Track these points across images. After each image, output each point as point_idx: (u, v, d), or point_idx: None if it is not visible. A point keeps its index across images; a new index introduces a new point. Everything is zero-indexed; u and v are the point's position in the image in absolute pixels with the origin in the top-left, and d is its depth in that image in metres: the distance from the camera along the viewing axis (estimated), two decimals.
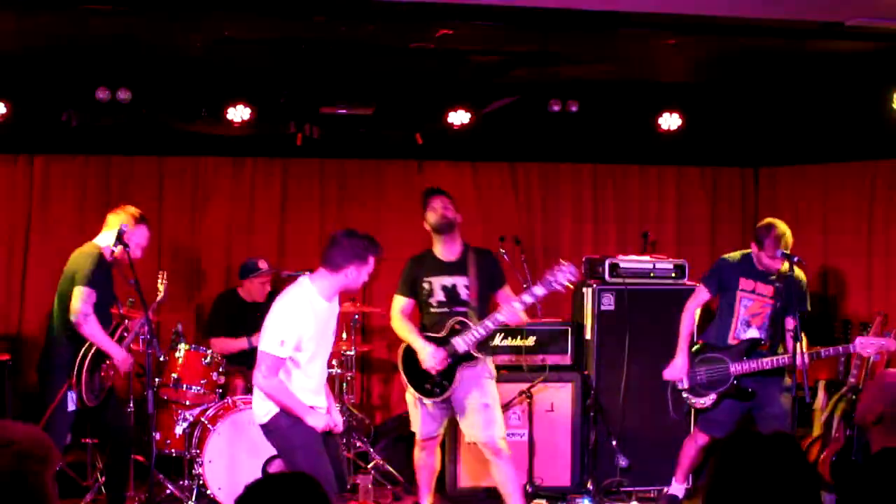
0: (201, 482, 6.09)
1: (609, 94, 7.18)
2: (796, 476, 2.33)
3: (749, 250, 5.91)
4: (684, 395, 5.96)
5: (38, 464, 2.48)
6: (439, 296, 5.76)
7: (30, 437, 2.52)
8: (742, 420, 5.97)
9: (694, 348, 6.01)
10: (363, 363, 7.60)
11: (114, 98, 6.55)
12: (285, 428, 4.81)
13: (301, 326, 4.74)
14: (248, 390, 6.47)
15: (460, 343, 5.61)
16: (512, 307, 5.55)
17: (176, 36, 5.67)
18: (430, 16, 5.14)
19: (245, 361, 6.70)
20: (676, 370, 5.95)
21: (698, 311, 6.17)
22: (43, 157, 7.30)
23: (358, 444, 6.82)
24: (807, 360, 5.47)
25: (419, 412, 5.79)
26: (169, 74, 6.68)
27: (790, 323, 5.74)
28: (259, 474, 5.92)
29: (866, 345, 5.60)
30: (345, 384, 6.79)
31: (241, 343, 6.72)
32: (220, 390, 6.41)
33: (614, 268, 6.78)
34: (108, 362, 5.64)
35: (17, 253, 7.23)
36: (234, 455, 6.06)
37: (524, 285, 5.91)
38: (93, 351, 5.51)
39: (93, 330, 5.48)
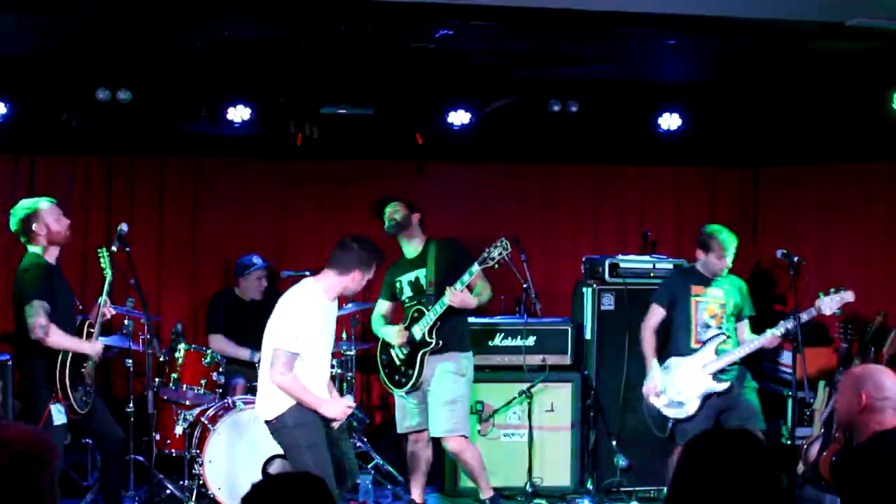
0: (201, 482, 6.09)
1: (609, 94, 7.17)
2: (757, 472, 2.34)
3: (692, 263, 6.22)
4: (664, 410, 6.02)
5: (36, 464, 2.48)
6: (407, 291, 6.08)
7: (28, 438, 2.51)
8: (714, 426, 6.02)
9: (663, 365, 6.08)
10: (363, 363, 7.59)
11: (114, 98, 6.55)
12: (291, 427, 4.95)
13: (312, 323, 4.93)
14: (249, 390, 6.48)
15: (416, 330, 5.89)
16: (451, 289, 5.75)
17: (176, 36, 5.67)
18: (430, 16, 5.14)
19: (246, 363, 6.71)
20: (653, 381, 6.04)
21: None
22: (43, 157, 7.30)
23: (358, 444, 6.81)
24: (777, 339, 5.81)
25: (398, 407, 6.09)
26: (169, 74, 6.68)
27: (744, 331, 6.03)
28: (259, 474, 5.92)
29: (830, 303, 5.70)
30: (345, 384, 6.79)
31: (243, 352, 6.73)
32: (220, 390, 6.41)
33: (614, 268, 6.78)
34: (85, 364, 5.44)
35: (16, 253, 7.22)
36: (234, 455, 6.06)
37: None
38: (69, 358, 5.30)
39: (58, 339, 5.26)
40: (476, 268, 5.76)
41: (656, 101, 7.28)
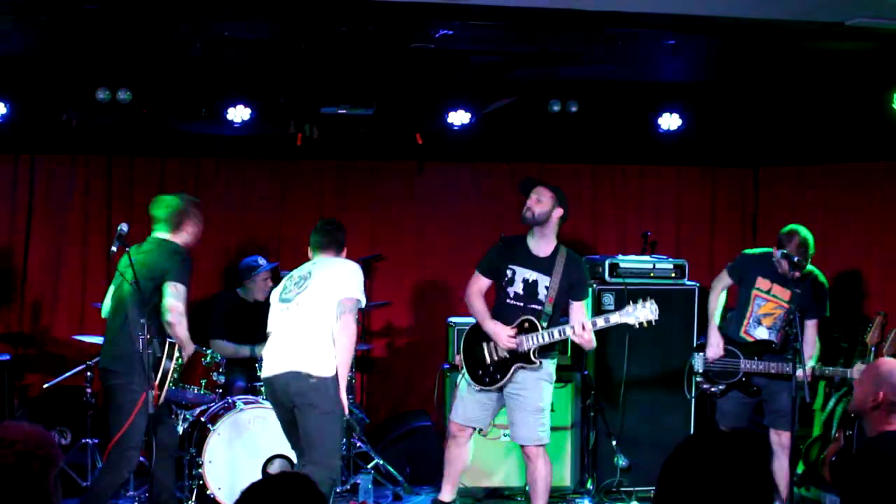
0: (201, 482, 6.09)
1: (609, 94, 7.18)
2: (745, 474, 2.34)
3: (771, 249, 5.90)
4: (697, 378, 6.00)
5: (40, 464, 2.49)
6: (517, 287, 5.63)
7: (32, 438, 2.52)
8: (751, 412, 5.98)
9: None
10: (363, 363, 7.60)
11: (114, 98, 6.56)
12: (333, 394, 5.17)
13: (363, 279, 5.40)
14: (249, 391, 6.48)
15: (524, 342, 5.52)
16: (581, 327, 5.45)
17: (176, 36, 5.67)
18: (430, 16, 5.14)
19: (246, 362, 6.71)
20: (713, 347, 5.93)
21: (724, 294, 6.09)
22: (43, 157, 7.30)
23: (358, 444, 6.81)
24: (808, 374, 5.58)
25: (462, 400, 5.72)
26: (169, 74, 6.68)
27: (809, 331, 5.84)
28: (259, 474, 5.93)
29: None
30: None
31: (243, 351, 6.72)
32: (220, 390, 6.41)
33: (614, 268, 6.78)
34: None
35: (17, 253, 7.23)
36: (234, 455, 6.06)
37: (608, 308, 5.85)
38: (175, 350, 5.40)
39: (183, 331, 5.35)
40: (618, 319, 5.45)
41: (656, 101, 7.28)
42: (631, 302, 5.48)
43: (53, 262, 7.28)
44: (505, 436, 6.51)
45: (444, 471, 5.92)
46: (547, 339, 5.50)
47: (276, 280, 6.98)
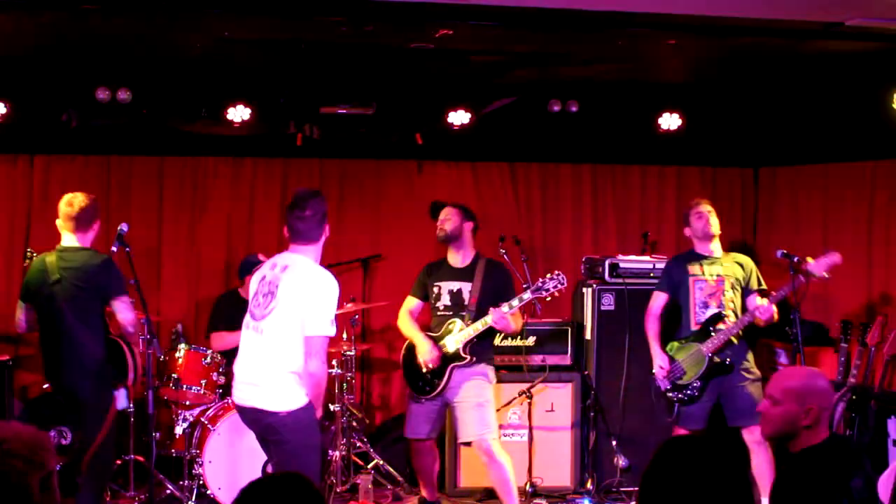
0: (201, 482, 6.09)
1: (609, 94, 7.18)
2: (726, 477, 2.34)
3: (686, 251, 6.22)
4: (669, 395, 6.02)
5: (24, 464, 2.46)
6: (445, 300, 5.98)
7: (20, 438, 2.50)
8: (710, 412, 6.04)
9: (667, 347, 6.11)
10: (363, 363, 7.60)
11: (114, 98, 6.56)
12: (306, 425, 4.58)
13: (335, 302, 4.64)
14: None
15: (451, 341, 5.81)
16: (499, 311, 5.72)
17: (176, 36, 5.66)
18: (430, 16, 5.14)
19: None
20: (658, 364, 6.06)
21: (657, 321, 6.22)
22: (43, 157, 7.30)
23: (358, 444, 6.82)
24: (774, 310, 5.77)
25: (411, 415, 5.99)
26: (169, 74, 6.68)
27: (751, 303, 5.97)
28: (259, 474, 5.92)
29: (819, 265, 5.70)
30: (345, 384, 6.78)
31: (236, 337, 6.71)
32: (220, 390, 6.41)
33: (614, 268, 6.78)
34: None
35: (17, 253, 7.22)
36: (234, 455, 6.06)
37: (524, 286, 5.95)
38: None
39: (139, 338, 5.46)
40: (528, 296, 5.77)
41: (656, 101, 7.28)
42: (540, 279, 5.80)
43: None
44: (505, 436, 6.53)
45: (418, 479, 6.22)
46: (472, 332, 5.78)
47: None
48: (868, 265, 7.25)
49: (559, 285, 5.79)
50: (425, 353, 5.83)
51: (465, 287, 5.93)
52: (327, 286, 4.60)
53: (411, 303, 6.12)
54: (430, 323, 6.06)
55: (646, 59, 6.23)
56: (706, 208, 6.11)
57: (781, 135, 7.64)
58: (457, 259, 6.02)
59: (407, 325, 6.05)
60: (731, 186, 8.24)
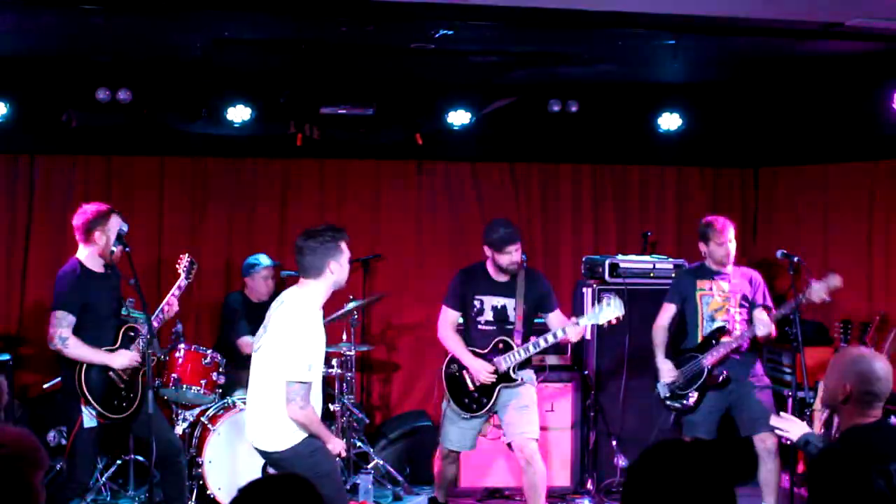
0: (201, 482, 6.09)
1: (609, 94, 7.18)
2: (706, 483, 2.35)
3: (699, 261, 6.15)
4: (667, 403, 6.02)
5: (28, 467, 2.50)
6: (488, 315, 5.77)
7: (19, 441, 2.53)
8: (720, 421, 6.01)
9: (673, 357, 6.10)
10: (363, 363, 7.60)
11: (114, 98, 6.56)
12: (307, 456, 4.51)
13: (319, 346, 4.54)
14: None
15: (502, 362, 5.66)
16: (580, 328, 5.61)
17: (176, 36, 5.67)
18: (430, 16, 5.14)
19: (247, 367, 6.69)
20: (665, 372, 6.03)
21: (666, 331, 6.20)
22: (43, 157, 7.30)
23: (358, 444, 6.82)
24: (773, 329, 5.72)
25: (454, 426, 5.81)
26: (169, 74, 6.69)
27: (756, 317, 5.90)
28: (259, 474, 5.92)
29: (819, 290, 5.64)
30: (345, 384, 6.78)
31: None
32: (220, 390, 6.41)
33: (614, 268, 6.78)
34: (111, 372, 5.36)
35: (17, 253, 7.23)
36: (234, 455, 6.06)
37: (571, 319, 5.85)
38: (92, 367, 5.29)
39: (77, 352, 5.21)
40: (586, 322, 5.65)
41: (656, 102, 7.28)
42: (596, 303, 5.69)
43: (53, 262, 7.26)
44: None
45: (436, 481, 6.14)
46: (523, 355, 5.65)
47: (278, 280, 6.99)
48: (868, 265, 7.25)
49: (617, 312, 5.61)
50: (482, 373, 5.62)
51: (510, 303, 5.72)
52: (305, 331, 4.45)
53: (453, 316, 5.83)
54: (466, 334, 5.81)
55: (646, 59, 6.23)
56: (730, 236, 6.02)
57: (781, 135, 7.64)
58: (497, 272, 5.74)
59: (454, 341, 5.77)
60: (731, 186, 8.24)
